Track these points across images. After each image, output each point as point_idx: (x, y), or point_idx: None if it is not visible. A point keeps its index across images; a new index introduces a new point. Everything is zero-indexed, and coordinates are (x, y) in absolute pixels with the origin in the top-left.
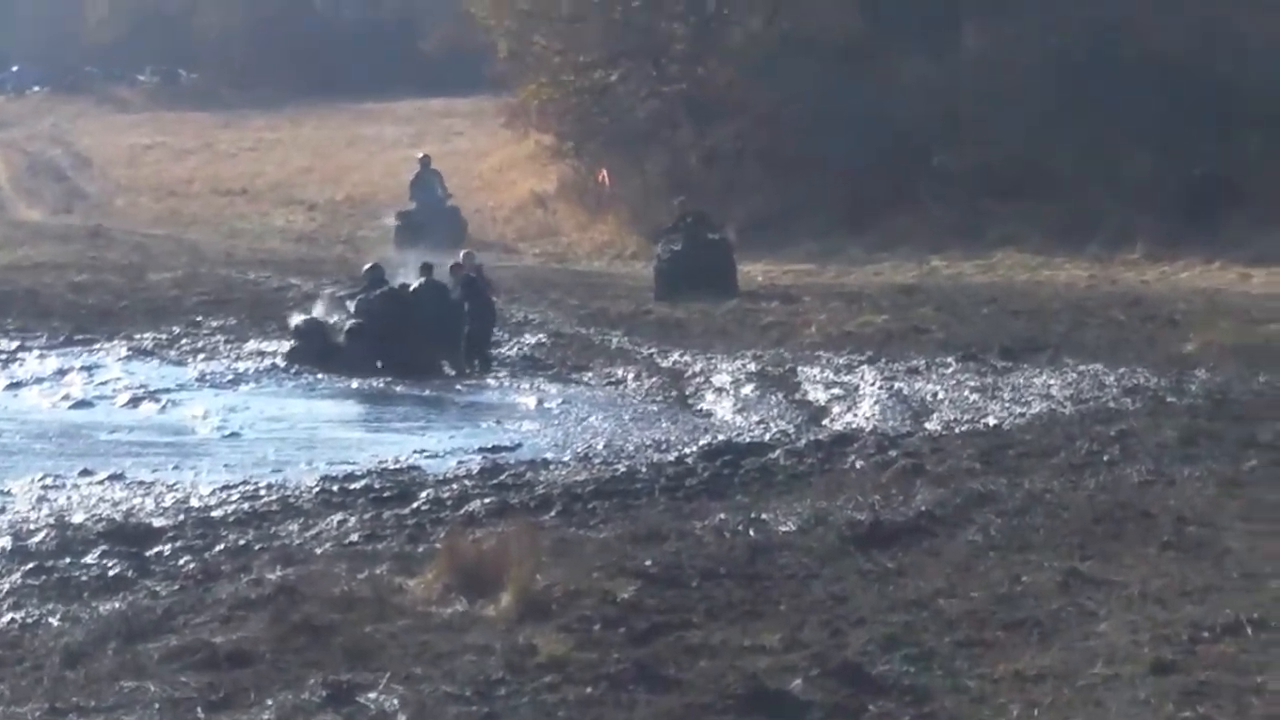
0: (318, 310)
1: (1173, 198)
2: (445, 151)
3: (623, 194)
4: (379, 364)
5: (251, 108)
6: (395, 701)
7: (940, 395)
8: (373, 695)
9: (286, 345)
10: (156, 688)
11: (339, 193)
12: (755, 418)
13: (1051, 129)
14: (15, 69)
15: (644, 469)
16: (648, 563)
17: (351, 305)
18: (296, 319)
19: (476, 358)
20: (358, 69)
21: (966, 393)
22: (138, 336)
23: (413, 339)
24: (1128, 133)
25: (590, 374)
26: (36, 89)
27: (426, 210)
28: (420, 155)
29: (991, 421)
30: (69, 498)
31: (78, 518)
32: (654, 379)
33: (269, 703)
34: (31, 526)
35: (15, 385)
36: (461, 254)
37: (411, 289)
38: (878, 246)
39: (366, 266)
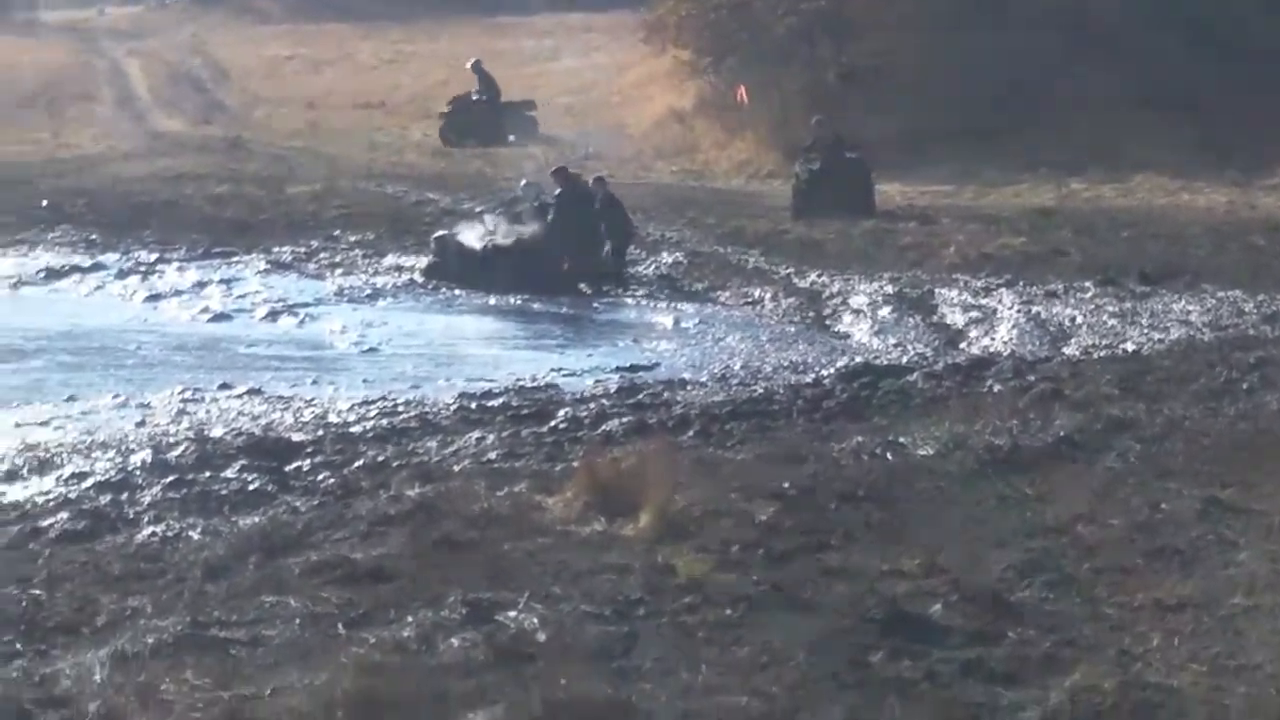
0: (457, 225)
1: None
2: (583, 66)
3: (761, 111)
4: (518, 280)
5: (390, 19)
6: (534, 620)
7: (1078, 320)
8: (512, 614)
9: (424, 260)
10: (297, 603)
11: None
12: (893, 340)
13: (1192, 50)
14: None
15: (781, 390)
16: (785, 484)
17: (490, 220)
18: (436, 234)
19: (613, 274)
20: None
21: (1105, 317)
22: (276, 250)
23: (553, 255)
24: (1267, 55)
25: (727, 294)
26: None
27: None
28: (470, 62)
29: (1130, 347)
30: (208, 411)
31: (217, 431)
32: (791, 299)
33: (409, 619)
34: (171, 439)
35: (155, 297)
36: (592, 179)
37: (556, 194)
38: (1016, 168)
39: (523, 183)
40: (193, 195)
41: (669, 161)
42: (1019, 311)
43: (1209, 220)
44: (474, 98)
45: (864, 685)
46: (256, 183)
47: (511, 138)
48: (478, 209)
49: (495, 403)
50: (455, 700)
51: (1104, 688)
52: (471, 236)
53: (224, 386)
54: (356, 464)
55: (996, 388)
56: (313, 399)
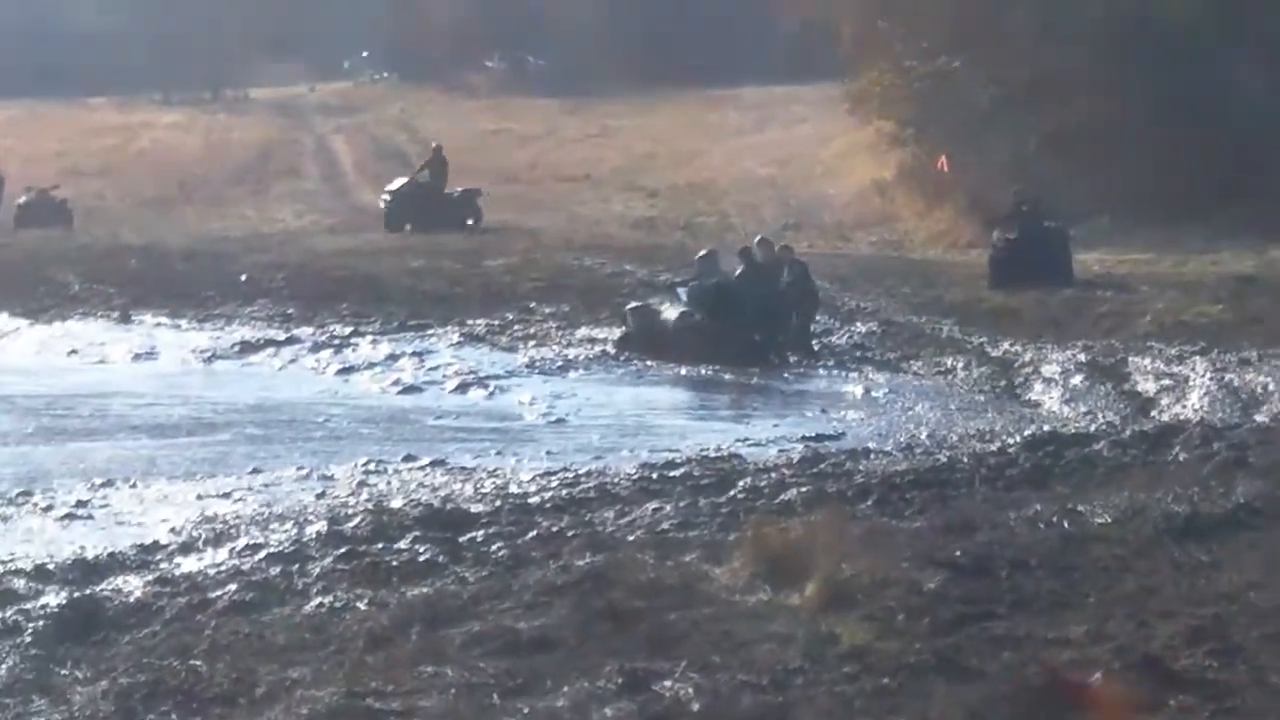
0: (652, 298)
1: None
2: (788, 138)
3: (961, 181)
4: (707, 353)
5: (598, 95)
6: (690, 690)
7: (1271, 387)
8: (668, 683)
9: (618, 332)
10: (455, 673)
11: (680, 179)
12: (1082, 408)
13: None
14: (365, 54)
15: (965, 459)
16: (958, 553)
17: (683, 293)
18: (629, 305)
19: (801, 345)
20: (707, 55)
21: None
22: (470, 322)
23: (742, 328)
24: None
25: (919, 363)
26: (386, 75)
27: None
28: (434, 145)
29: None
30: (389, 483)
31: (396, 503)
32: (983, 368)
33: (564, 689)
34: (349, 511)
35: (347, 370)
36: (756, 240)
37: (738, 274)
38: (1216, 235)
39: (700, 254)
40: (391, 269)
41: (868, 231)
42: (1211, 379)
43: None
44: (419, 180)
45: None
46: (455, 256)
47: (470, 222)
48: (671, 280)
49: (676, 473)
50: None
51: None
52: (664, 309)
53: (408, 458)
54: (530, 534)
55: (1182, 455)
56: (495, 470)
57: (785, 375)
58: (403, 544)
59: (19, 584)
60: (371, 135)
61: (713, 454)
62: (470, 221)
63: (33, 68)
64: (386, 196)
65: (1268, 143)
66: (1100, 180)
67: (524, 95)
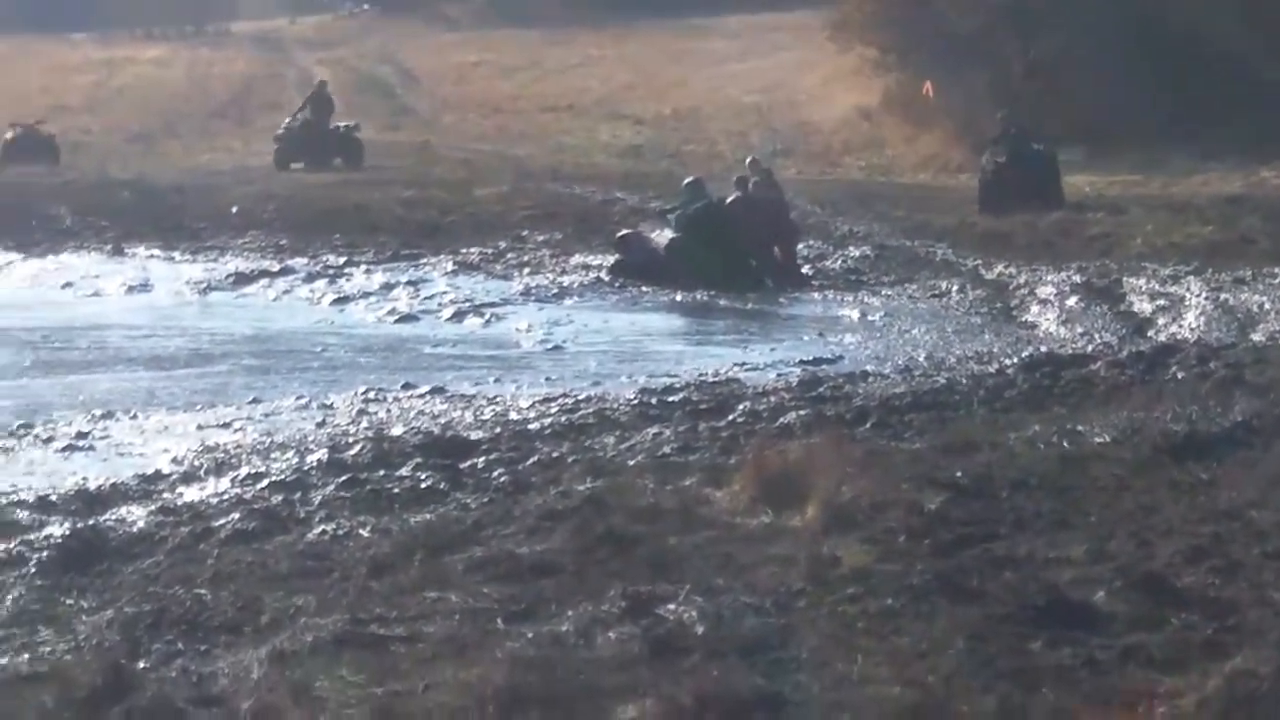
0: (642, 224)
1: None
2: (771, 66)
3: (947, 106)
4: (699, 278)
5: (578, 24)
6: (694, 613)
7: (1266, 306)
8: (671, 606)
9: (611, 259)
10: (458, 599)
11: (665, 108)
12: (1078, 329)
13: None
14: None
15: (963, 381)
16: (958, 474)
17: (673, 218)
18: (621, 233)
19: (789, 273)
20: None
21: None
22: (463, 251)
23: (731, 253)
24: None
25: (914, 286)
26: (366, 7)
27: (309, 130)
28: (318, 80)
29: None
30: (389, 411)
31: (396, 431)
32: (978, 291)
33: (569, 614)
34: (350, 439)
35: (342, 300)
36: (747, 160)
37: (728, 202)
38: (1204, 156)
39: (686, 181)
40: (381, 199)
41: (856, 156)
42: (1206, 299)
43: None
44: (300, 119)
45: (1020, 673)
46: (444, 186)
47: (337, 161)
48: (661, 207)
49: (675, 398)
50: (607, 694)
51: (1263, 672)
52: (655, 235)
53: (407, 386)
54: (530, 461)
55: (1179, 375)
56: (494, 397)
57: (781, 300)
58: (404, 471)
59: (22, 515)
60: (352, 68)
61: (711, 379)
62: (338, 160)
63: (13, 3)
64: (280, 132)
65: (1251, 64)
66: (1086, 104)
67: (505, 26)
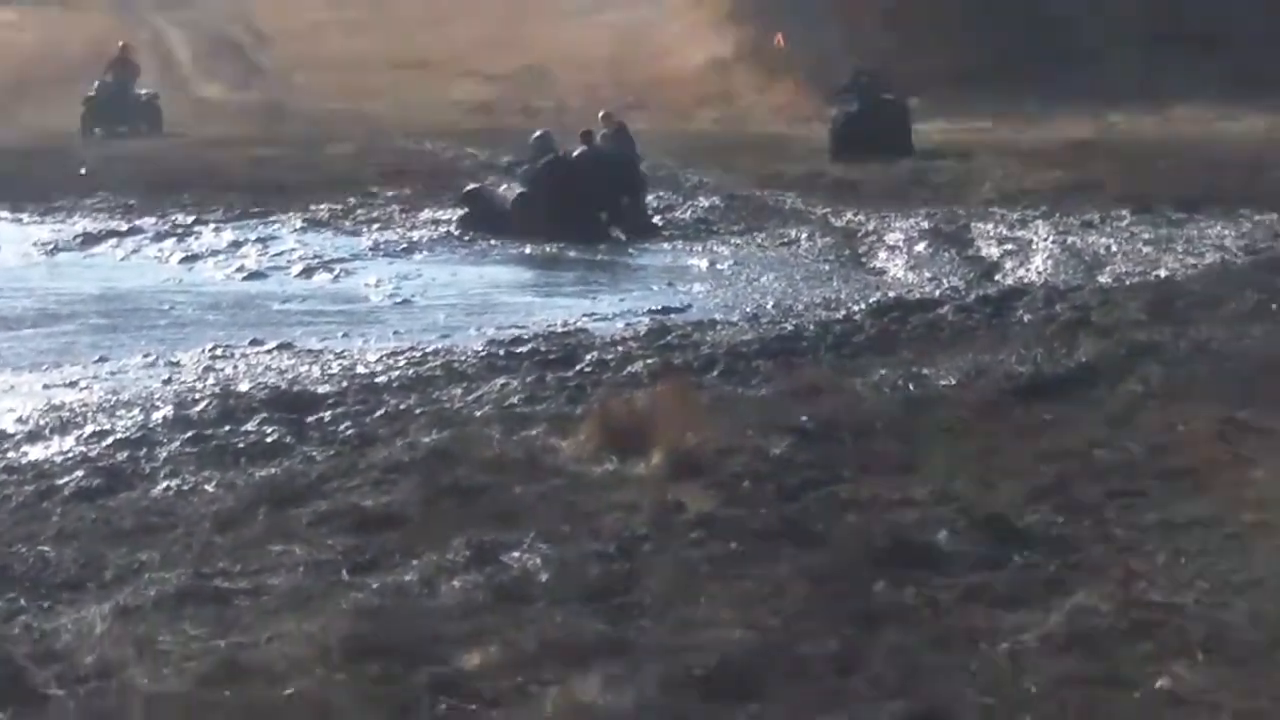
0: (490, 177)
1: None
2: (625, 19)
3: (799, 57)
4: (546, 231)
5: None
6: (538, 560)
7: (1113, 248)
8: (516, 554)
9: (459, 213)
10: (303, 551)
11: (517, 62)
12: (927, 274)
13: None
14: None
15: (811, 327)
16: (803, 419)
17: (520, 172)
18: (467, 187)
19: (638, 224)
20: None
21: (1139, 245)
22: (313, 208)
23: (578, 206)
24: None
25: (763, 235)
26: None
27: (111, 95)
28: (120, 44)
29: (1162, 273)
30: (236, 367)
31: (243, 386)
32: (827, 238)
33: (413, 564)
34: (196, 396)
35: (190, 258)
36: (600, 114)
37: (574, 156)
38: (1054, 102)
39: (535, 135)
40: (231, 159)
41: (709, 108)
42: (1054, 243)
43: (1246, 148)
44: (105, 82)
45: (863, 615)
46: (295, 145)
47: (144, 127)
48: (509, 161)
49: (523, 349)
50: (450, 642)
51: (1104, 608)
52: (502, 189)
53: (254, 342)
54: (378, 413)
55: (1026, 318)
56: (342, 351)
57: (630, 250)
58: (250, 426)
59: None
60: (205, 28)
61: (559, 329)
62: (144, 127)
63: None
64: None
65: (1101, 9)
66: (937, 52)
67: None
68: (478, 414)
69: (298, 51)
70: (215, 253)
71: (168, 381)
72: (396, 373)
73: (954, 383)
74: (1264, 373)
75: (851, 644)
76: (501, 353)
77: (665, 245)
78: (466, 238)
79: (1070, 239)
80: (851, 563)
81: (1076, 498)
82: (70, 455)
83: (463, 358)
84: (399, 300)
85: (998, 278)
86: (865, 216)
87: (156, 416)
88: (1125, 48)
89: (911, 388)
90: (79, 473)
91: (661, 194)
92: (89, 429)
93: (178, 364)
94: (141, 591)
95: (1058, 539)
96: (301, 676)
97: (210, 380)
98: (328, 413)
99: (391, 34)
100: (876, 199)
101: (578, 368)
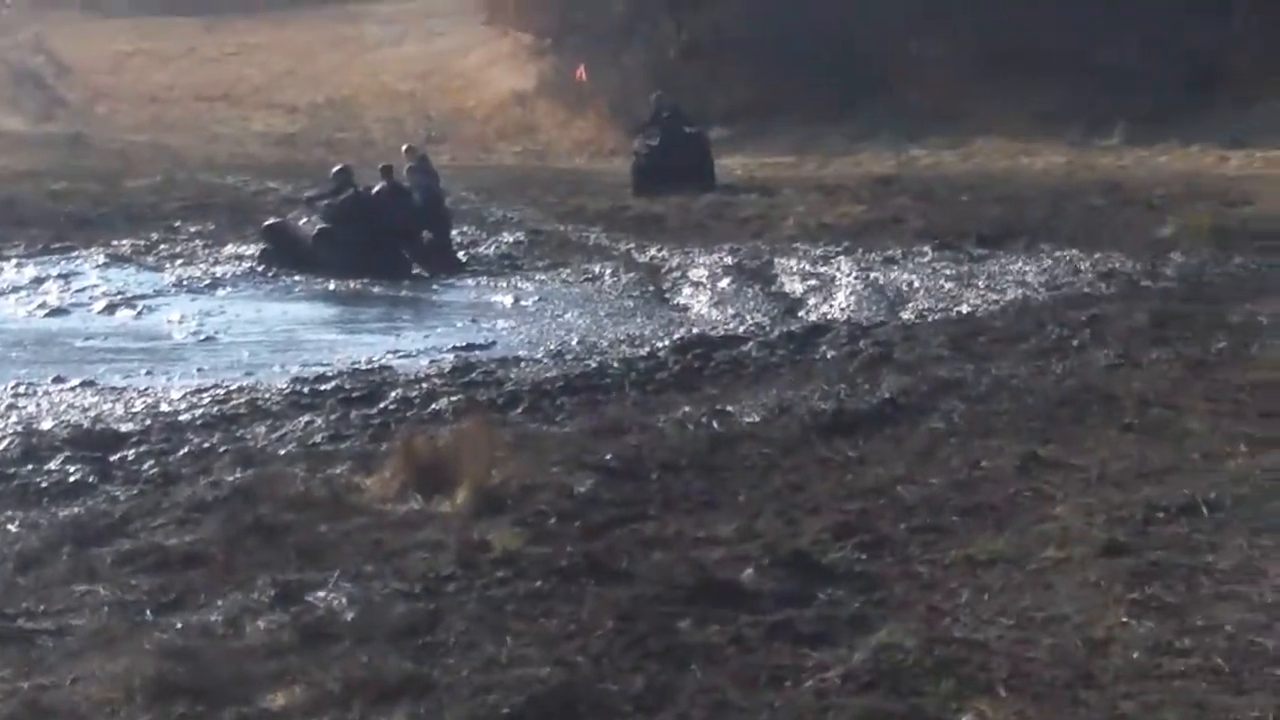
0: (292, 212)
1: (1152, 82)
2: (427, 51)
3: (602, 90)
4: (349, 267)
5: (235, 11)
6: (343, 599)
7: (915, 284)
8: (321, 594)
9: (262, 248)
10: (107, 591)
11: (320, 95)
12: (730, 311)
13: (1030, 14)
14: None
15: (615, 364)
16: (608, 456)
17: (322, 206)
18: (267, 222)
19: (443, 261)
20: None
21: (941, 281)
22: (115, 243)
23: (379, 242)
24: (1106, 18)
25: (567, 270)
26: None
27: None
28: None
29: (965, 309)
30: (38, 405)
31: (45, 425)
32: (631, 274)
33: (218, 603)
34: None
35: None
36: (404, 148)
37: (374, 192)
38: (857, 136)
39: (335, 169)
40: (32, 192)
41: (511, 142)
42: (857, 279)
43: (1047, 182)
44: None
45: (669, 652)
46: (96, 178)
47: None
48: (309, 195)
49: (327, 386)
50: (255, 682)
51: (908, 645)
52: (303, 223)
53: (57, 380)
54: (181, 452)
55: (829, 354)
56: (145, 389)
57: (434, 286)
58: (53, 465)
59: None
60: (4, 59)
61: (364, 366)
62: None
63: None
64: None
65: (903, 44)
66: (740, 86)
67: (162, 14)
68: (282, 452)
69: (100, 83)
70: (16, 289)
71: None
72: (200, 411)
73: (758, 419)
74: (1064, 408)
75: (658, 682)
76: (306, 390)
77: (469, 281)
78: (270, 273)
79: (873, 275)
80: (657, 600)
81: (880, 534)
82: None
83: (267, 395)
84: (203, 337)
85: (801, 314)
86: (669, 252)
87: None
88: (927, 81)
89: (716, 425)
90: None
91: (465, 229)
92: None
93: None
94: None
95: (862, 576)
96: (106, 718)
97: (13, 418)
98: (131, 451)
99: (196, 66)
100: (680, 234)
101: (382, 405)
